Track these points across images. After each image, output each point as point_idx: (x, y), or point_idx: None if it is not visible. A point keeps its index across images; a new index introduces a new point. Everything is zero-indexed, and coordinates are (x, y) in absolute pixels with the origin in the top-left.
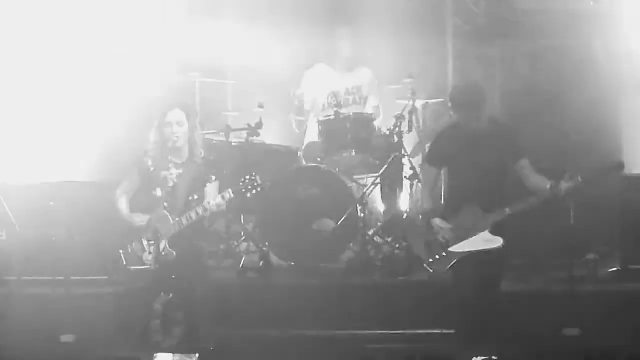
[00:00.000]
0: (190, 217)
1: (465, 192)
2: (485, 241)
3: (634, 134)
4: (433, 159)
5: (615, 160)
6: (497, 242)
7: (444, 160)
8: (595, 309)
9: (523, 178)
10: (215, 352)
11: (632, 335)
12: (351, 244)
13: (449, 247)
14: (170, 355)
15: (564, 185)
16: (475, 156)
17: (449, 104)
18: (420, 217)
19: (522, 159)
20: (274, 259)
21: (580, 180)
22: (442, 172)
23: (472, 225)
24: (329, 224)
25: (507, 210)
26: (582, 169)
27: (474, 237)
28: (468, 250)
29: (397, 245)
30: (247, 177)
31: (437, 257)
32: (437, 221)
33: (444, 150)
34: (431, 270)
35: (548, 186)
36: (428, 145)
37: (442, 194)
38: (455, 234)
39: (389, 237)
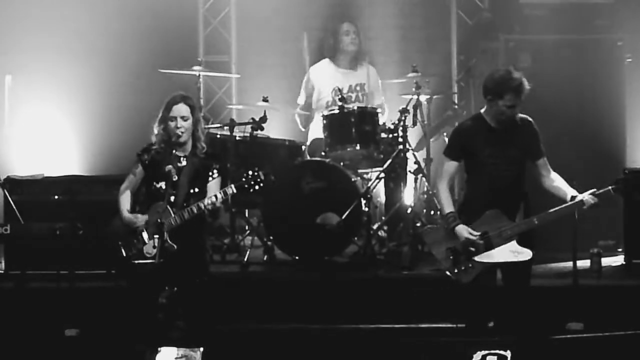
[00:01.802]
0: (192, 211)
1: (487, 191)
2: (513, 253)
3: (637, 128)
4: (452, 151)
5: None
6: (527, 254)
7: (464, 154)
8: (599, 303)
9: (539, 177)
10: (220, 346)
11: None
12: (355, 238)
13: (474, 256)
14: (175, 348)
15: (589, 201)
16: (498, 151)
17: (495, 89)
18: (437, 217)
19: (542, 156)
20: (278, 253)
21: (612, 192)
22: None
23: (498, 233)
24: (333, 218)
25: (535, 220)
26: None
27: (502, 248)
28: (495, 261)
29: (402, 240)
30: (250, 172)
31: (462, 268)
32: (464, 229)
33: (465, 142)
34: (454, 279)
35: (569, 197)
36: (447, 137)
37: (457, 193)
38: (482, 243)
39: (393, 231)
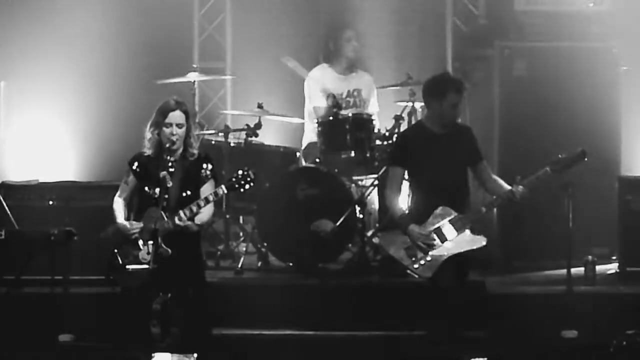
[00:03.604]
0: (185, 214)
1: (433, 193)
2: (469, 242)
3: (632, 136)
4: (397, 158)
5: (576, 150)
6: (482, 241)
7: (408, 159)
8: (593, 310)
9: (481, 180)
10: (214, 352)
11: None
12: (349, 245)
13: (430, 251)
14: (169, 355)
15: (518, 190)
16: (440, 155)
17: (437, 89)
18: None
19: (482, 160)
20: (272, 259)
21: (548, 171)
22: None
23: (449, 225)
24: (327, 224)
25: (483, 209)
26: (547, 163)
27: (456, 239)
28: (453, 252)
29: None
30: (240, 171)
31: (422, 262)
32: (415, 228)
33: (409, 148)
34: (417, 277)
35: (508, 190)
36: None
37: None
38: (435, 238)
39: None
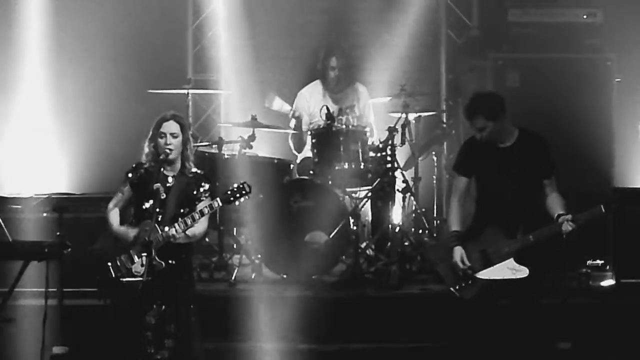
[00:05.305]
0: (179, 227)
1: (490, 211)
2: (511, 270)
3: (625, 147)
4: (461, 167)
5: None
6: (524, 272)
7: (471, 170)
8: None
9: (540, 196)
10: None
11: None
12: (343, 257)
13: (475, 273)
14: None
15: (568, 228)
16: (504, 167)
17: (465, 114)
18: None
19: (549, 177)
20: (266, 271)
21: (602, 209)
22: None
23: (496, 250)
24: (321, 236)
25: (531, 237)
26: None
27: (500, 265)
28: (494, 278)
29: (390, 259)
30: (235, 185)
31: (463, 284)
32: (459, 254)
33: (471, 158)
34: (458, 295)
35: (556, 215)
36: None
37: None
38: (480, 261)
39: (381, 250)
